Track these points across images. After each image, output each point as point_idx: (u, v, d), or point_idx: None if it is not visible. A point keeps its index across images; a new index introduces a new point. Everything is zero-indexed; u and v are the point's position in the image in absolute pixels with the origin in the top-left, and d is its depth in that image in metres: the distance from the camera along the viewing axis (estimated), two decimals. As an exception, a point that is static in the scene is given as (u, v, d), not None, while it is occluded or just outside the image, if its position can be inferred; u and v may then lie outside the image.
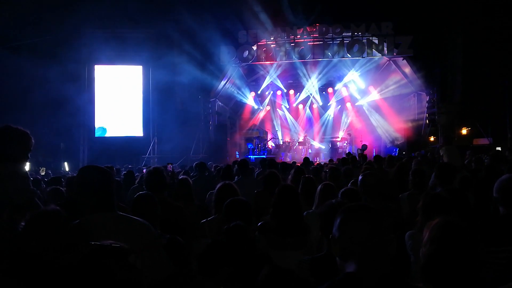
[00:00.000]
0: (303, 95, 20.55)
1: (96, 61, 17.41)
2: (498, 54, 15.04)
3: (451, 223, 1.60)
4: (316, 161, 15.78)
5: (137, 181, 5.47)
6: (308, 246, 2.61)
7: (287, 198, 2.77)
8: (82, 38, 16.32)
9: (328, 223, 1.96)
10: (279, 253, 2.50)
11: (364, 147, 15.88)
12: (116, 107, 17.92)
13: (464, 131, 17.54)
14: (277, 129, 20.94)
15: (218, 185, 3.03)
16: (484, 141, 15.87)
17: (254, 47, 16.93)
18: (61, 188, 4.48)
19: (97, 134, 17.65)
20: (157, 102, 17.64)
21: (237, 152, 19.35)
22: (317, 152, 19.88)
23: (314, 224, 2.73)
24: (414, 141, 16.76)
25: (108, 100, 17.86)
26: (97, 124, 17.70)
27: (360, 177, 3.80)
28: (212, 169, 8.82)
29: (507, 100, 15.53)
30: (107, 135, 17.71)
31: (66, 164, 15.97)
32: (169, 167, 4.95)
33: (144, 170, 5.16)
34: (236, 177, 5.96)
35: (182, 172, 6.60)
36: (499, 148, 14.98)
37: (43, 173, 11.74)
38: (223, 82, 18.22)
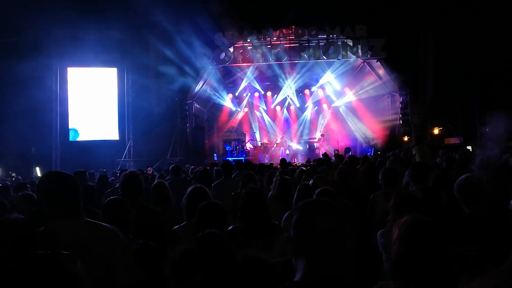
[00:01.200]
0: (280, 97, 20.68)
1: (69, 63, 16.99)
2: (468, 55, 15.57)
3: (419, 220, 1.65)
4: (294, 162, 15.90)
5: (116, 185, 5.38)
6: (277, 247, 2.62)
7: (253, 200, 2.78)
8: (53, 40, 15.90)
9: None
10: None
11: (347, 149, 16.08)
12: (90, 110, 17.53)
13: (436, 131, 18.08)
14: (255, 131, 20.98)
15: (189, 189, 2.99)
16: (455, 140, 16.39)
17: (231, 49, 16.92)
18: (33, 194, 4.34)
19: (70, 137, 17.21)
20: (132, 104, 17.38)
21: (215, 154, 19.27)
22: (295, 153, 20.03)
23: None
24: (389, 141, 17.15)
25: (82, 103, 17.44)
26: (70, 127, 17.25)
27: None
28: (190, 172, 8.76)
29: (477, 100, 16.10)
30: (80, 138, 17.28)
31: (38, 169, 15.50)
32: (149, 170, 4.88)
33: (119, 174, 5.08)
34: (216, 179, 5.94)
35: (157, 176, 6.52)
36: (469, 147, 15.51)
37: (13, 179, 11.35)
38: (200, 84, 18.12)
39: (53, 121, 16.51)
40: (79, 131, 17.42)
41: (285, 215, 3.54)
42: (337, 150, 15.88)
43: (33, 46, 14.62)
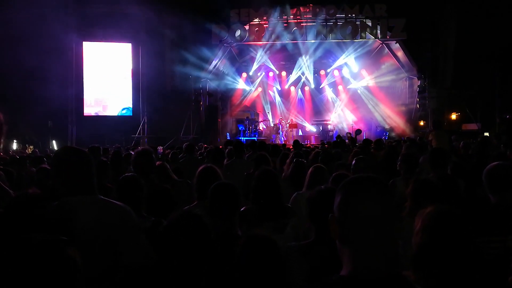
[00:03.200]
0: (295, 77, 20.40)
1: (85, 37, 16.97)
2: (490, 40, 15.04)
3: (445, 212, 1.58)
4: (307, 143, 15.80)
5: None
6: (290, 229, 2.60)
7: (266, 181, 2.75)
8: (70, 13, 15.84)
9: (315, 210, 1.94)
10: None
11: (358, 131, 15.89)
12: (105, 86, 17.61)
13: (453, 116, 17.69)
14: (268, 111, 20.83)
15: (199, 169, 2.96)
16: (473, 126, 16.03)
17: (247, 27, 16.64)
18: (49, 168, 4.40)
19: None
20: (147, 81, 17.35)
21: (227, 133, 19.26)
22: (308, 134, 19.89)
23: (303, 206, 2.72)
24: (405, 125, 16.89)
25: (97, 78, 17.52)
26: (90, 101, 17.37)
27: (353, 162, 3.80)
28: (202, 150, 8.77)
29: (497, 86, 15.63)
30: (98, 113, 17.45)
31: (54, 142, 15.75)
32: (160, 149, 4.89)
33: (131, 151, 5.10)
34: (227, 159, 5.94)
35: (170, 154, 6.54)
36: (487, 134, 15.16)
37: (30, 152, 11.56)
38: (214, 62, 17.96)
39: (70, 95, 16.64)
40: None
41: (294, 195, 3.52)
42: (350, 133, 15.67)
43: (52, 19, 14.60)
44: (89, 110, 17.47)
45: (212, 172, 2.90)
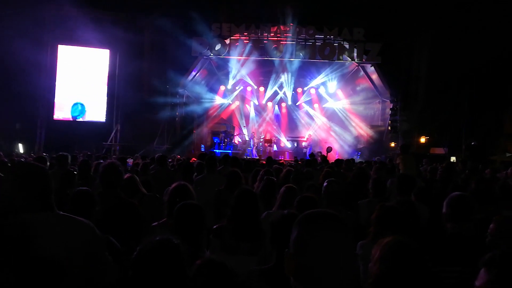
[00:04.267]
0: (272, 93, 20.62)
1: (60, 40, 16.61)
2: (460, 70, 15.75)
3: (402, 243, 1.62)
4: (281, 159, 15.90)
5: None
6: (263, 251, 2.59)
7: (246, 202, 2.74)
8: (45, 16, 15.51)
9: (277, 235, 1.95)
10: (233, 257, 2.47)
11: (329, 149, 16.15)
12: (79, 90, 17.21)
13: (422, 139, 18.29)
14: (244, 125, 20.88)
15: (172, 186, 2.93)
16: (440, 150, 16.61)
17: (227, 41, 16.76)
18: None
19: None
20: (123, 88, 17.09)
21: (202, 145, 19.14)
22: (282, 150, 20.04)
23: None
24: (376, 146, 17.30)
25: (71, 82, 17.11)
26: (61, 105, 16.84)
27: (325, 183, 3.84)
28: (175, 162, 8.67)
29: (465, 113, 16.32)
30: (68, 117, 16.95)
31: (20, 145, 15.19)
32: (129, 162, 4.80)
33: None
34: (199, 173, 5.87)
35: (142, 164, 6.43)
36: (453, 158, 15.73)
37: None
38: (193, 73, 17.93)
39: (40, 98, 16.15)
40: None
41: (263, 215, 3.52)
42: (320, 153, 15.89)
43: (26, 20, 14.24)
44: (60, 114, 16.97)
45: (184, 190, 2.87)
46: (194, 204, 2.32)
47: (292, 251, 1.11)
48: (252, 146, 18.97)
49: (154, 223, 2.76)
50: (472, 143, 15.65)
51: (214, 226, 2.79)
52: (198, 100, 19.62)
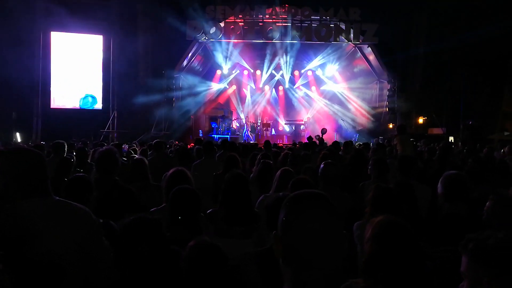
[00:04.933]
0: (269, 76, 20.46)
1: (53, 27, 16.37)
2: (458, 47, 15.63)
3: (393, 222, 1.63)
4: (280, 143, 15.91)
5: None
6: (257, 235, 2.61)
7: (237, 186, 2.74)
8: (38, 1, 15.24)
9: (272, 217, 1.96)
10: (227, 241, 2.49)
11: (324, 131, 16.11)
12: (74, 77, 17.06)
13: (420, 120, 18.29)
14: (242, 109, 20.79)
15: (170, 171, 2.93)
16: (438, 130, 16.63)
17: (222, 24, 16.55)
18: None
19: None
20: (118, 74, 16.92)
21: (200, 130, 19.09)
22: (281, 134, 20.02)
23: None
24: (374, 128, 17.30)
25: (66, 69, 16.95)
26: (57, 93, 16.70)
27: (321, 166, 3.84)
28: (173, 148, 8.67)
29: (462, 93, 16.27)
30: (64, 106, 16.85)
31: (18, 134, 15.13)
32: (125, 147, 4.78)
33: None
34: (198, 158, 5.87)
35: (140, 151, 6.41)
36: (452, 138, 15.77)
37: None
38: (188, 58, 17.76)
39: (35, 86, 16.02)
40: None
41: (260, 198, 3.53)
42: (318, 136, 15.89)
43: (17, 6, 13.99)
44: (56, 102, 16.87)
45: (182, 175, 2.87)
46: (189, 189, 2.32)
47: (280, 232, 1.10)
48: (246, 130, 18.86)
49: (153, 209, 2.76)
50: (470, 123, 15.66)
51: (208, 211, 2.80)
52: (194, 85, 19.47)
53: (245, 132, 18.79)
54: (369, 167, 4.16)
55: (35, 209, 1.79)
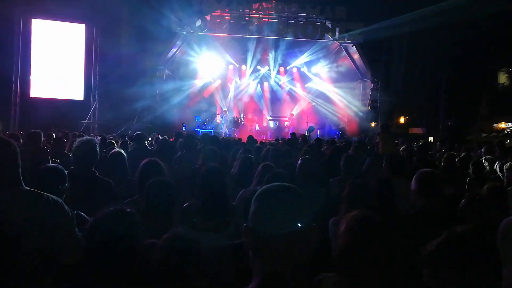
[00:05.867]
0: (255, 72, 20.43)
1: (34, 14, 15.92)
2: (439, 52, 15.95)
3: (367, 217, 1.66)
4: (263, 139, 15.93)
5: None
6: (233, 228, 2.61)
7: (212, 179, 2.74)
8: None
9: (248, 210, 1.96)
10: (201, 234, 2.48)
11: (311, 128, 16.23)
12: (55, 67, 16.65)
13: (402, 120, 18.60)
14: (226, 104, 20.71)
15: (142, 162, 2.90)
16: (418, 130, 16.95)
17: (208, 17, 16.41)
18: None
19: None
20: (100, 65, 16.61)
21: (184, 124, 18.94)
22: (265, 130, 20.05)
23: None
24: (356, 126, 17.51)
25: (47, 58, 16.52)
26: (37, 82, 16.25)
27: (299, 161, 3.87)
28: (154, 141, 8.59)
29: (442, 95, 16.63)
30: (44, 96, 16.43)
31: (-5, 124, 14.72)
32: (97, 139, 4.69)
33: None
34: (179, 151, 5.82)
35: (120, 143, 6.33)
36: (431, 138, 16.10)
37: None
38: (173, 50, 17.56)
39: (14, 74, 15.59)
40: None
41: (240, 192, 3.54)
42: (304, 134, 15.97)
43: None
44: (36, 92, 16.43)
45: (155, 166, 2.84)
46: (165, 181, 2.31)
47: (250, 224, 1.11)
48: (224, 124, 18.68)
49: (126, 200, 2.73)
50: (449, 123, 16.01)
51: (185, 204, 2.78)
52: (178, 78, 19.28)
53: (223, 126, 18.59)
54: (341, 163, 4.23)
55: (2, 197, 1.76)
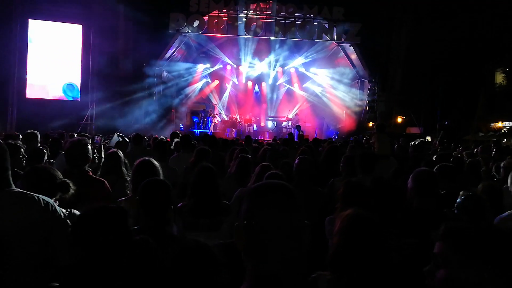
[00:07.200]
0: (252, 72, 20.43)
1: (31, 14, 15.87)
2: (436, 53, 16.00)
3: (361, 216, 1.65)
4: (261, 139, 15.93)
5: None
6: (226, 227, 2.61)
7: (204, 178, 2.74)
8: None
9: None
10: (194, 234, 2.49)
11: (298, 127, 16.19)
12: (52, 67, 16.61)
13: (399, 119, 18.62)
14: (223, 105, 20.70)
15: (136, 162, 2.90)
16: (416, 130, 16.97)
17: (206, 18, 16.41)
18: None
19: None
20: (97, 65, 16.57)
21: (181, 124, 18.92)
22: (263, 130, 20.04)
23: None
24: (354, 126, 17.53)
25: (43, 58, 16.48)
26: (33, 83, 16.22)
27: (296, 161, 3.87)
28: (151, 142, 8.56)
29: (440, 95, 16.66)
30: (42, 96, 16.39)
31: (-9, 125, 14.68)
32: (97, 139, 4.68)
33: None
34: (175, 152, 5.82)
35: (115, 144, 6.32)
36: (429, 138, 16.13)
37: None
38: (171, 51, 17.54)
39: (11, 75, 15.53)
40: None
41: (237, 192, 3.54)
42: (302, 132, 15.97)
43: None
44: (32, 93, 16.39)
45: (149, 166, 2.84)
46: (160, 181, 2.30)
47: (241, 223, 1.08)
48: (209, 126, 18.53)
49: (120, 199, 2.73)
50: (446, 123, 16.05)
51: (179, 204, 2.78)
52: (176, 78, 19.26)
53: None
54: (341, 164, 4.22)
55: None
